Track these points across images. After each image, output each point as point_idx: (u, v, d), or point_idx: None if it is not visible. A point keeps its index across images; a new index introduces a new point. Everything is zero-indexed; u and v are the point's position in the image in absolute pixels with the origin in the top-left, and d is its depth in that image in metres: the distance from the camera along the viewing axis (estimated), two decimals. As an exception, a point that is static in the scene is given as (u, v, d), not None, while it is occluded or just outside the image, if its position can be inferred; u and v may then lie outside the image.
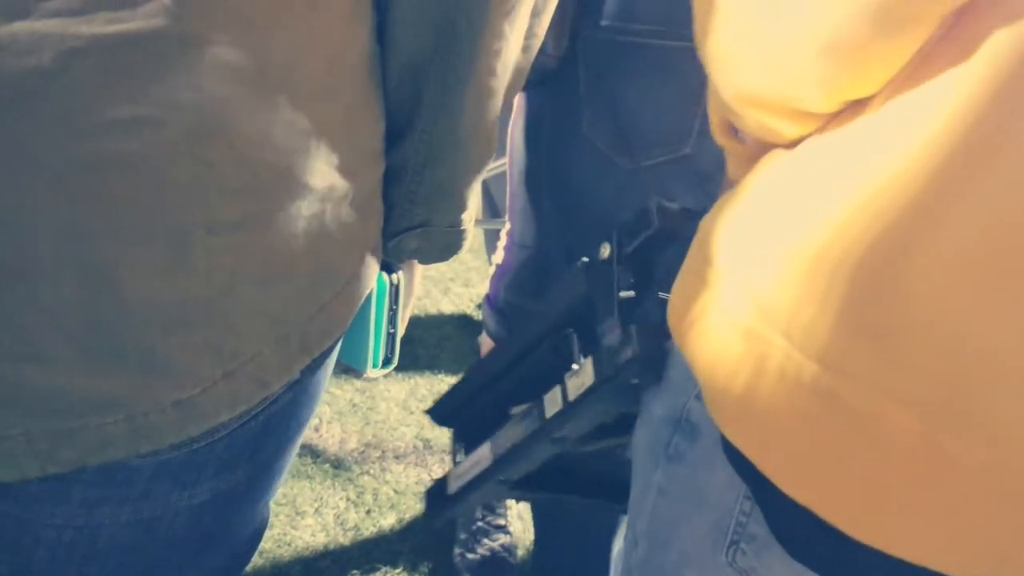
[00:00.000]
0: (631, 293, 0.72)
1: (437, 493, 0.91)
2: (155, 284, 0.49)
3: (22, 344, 0.48)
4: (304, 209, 0.55)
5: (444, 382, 2.16)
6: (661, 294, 0.71)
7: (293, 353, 0.57)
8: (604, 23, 1.11)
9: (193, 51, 0.48)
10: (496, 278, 1.58)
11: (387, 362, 0.73)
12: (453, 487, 0.88)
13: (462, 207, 0.68)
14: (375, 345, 0.71)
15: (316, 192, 0.55)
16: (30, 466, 0.50)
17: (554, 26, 1.16)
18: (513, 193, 1.46)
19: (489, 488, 0.85)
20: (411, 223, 0.67)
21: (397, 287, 0.71)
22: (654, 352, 0.67)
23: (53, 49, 0.45)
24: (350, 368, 0.76)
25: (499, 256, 1.58)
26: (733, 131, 0.66)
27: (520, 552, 1.69)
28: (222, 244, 0.51)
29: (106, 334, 0.49)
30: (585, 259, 0.78)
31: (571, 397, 0.74)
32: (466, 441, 0.92)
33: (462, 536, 1.68)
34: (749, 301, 0.55)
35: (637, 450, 0.71)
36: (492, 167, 1.60)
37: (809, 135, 0.57)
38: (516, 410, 0.83)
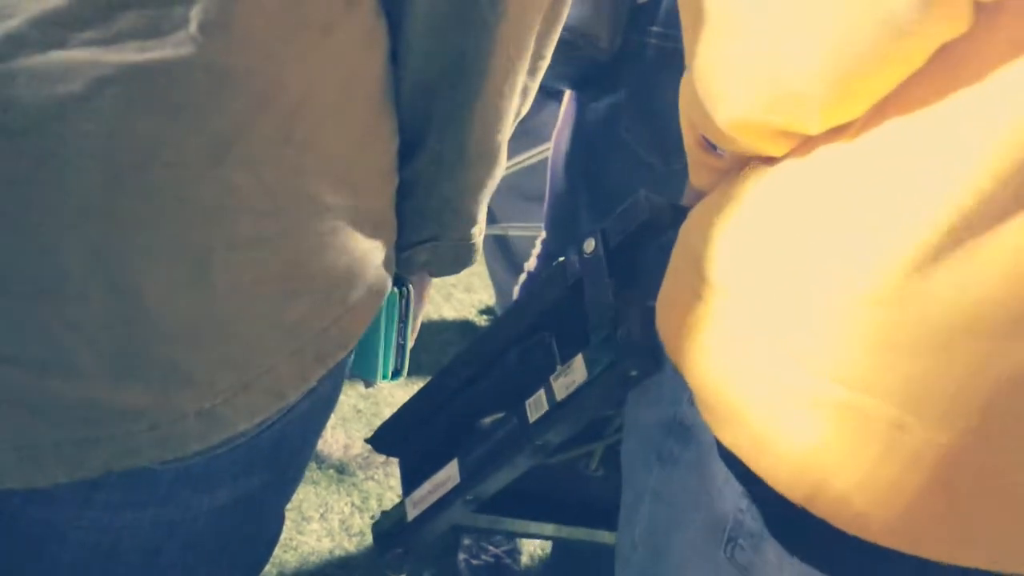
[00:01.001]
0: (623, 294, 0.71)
1: (390, 525, 0.82)
2: (178, 300, 0.51)
3: (53, 357, 0.50)
4: (320, 226, 0.57)
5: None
6: (650, 303, 0.70)
7: (308, 364, 0.59)
8: (655, 29, 1.14)
9: (217, 79, 0.50)
10: (526, 284, 1.60)
11: (396, 373, 0.75)
12: (412, 514, 0.80)
13: (472, 222, 0.70)
14: (385, 356, 0.73)
15: (332, 209, 0.57)
16: (58, 472, 0.52)
17: (610, 24, 1.19)
18: (552, 203, 1.47)
19: (455, 511, 0.78)
20: (421, 237, 0.69)
21: (408, 299, 0.72)
22: (652, 340, 0.66)
23: (84, 76, 0.47)
24: (356, 376, 0.78)
25: (531, 263, 1.59)
26: (710, 147, 0.67)
27: (524, 559, 1.70)
28: (242, 261, 0.53)
29: (132, 348, 0.51)
30: (561, 259, 0.77)
31: (559, 398, 0.71)
32: (415, 468, 0.85)
33: (466, 542, 1.69)
34: (762, 332, 0.57)
35: (627, 459, 0.73)
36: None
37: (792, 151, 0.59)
38: (487, 421, 0.80)
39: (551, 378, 0.72)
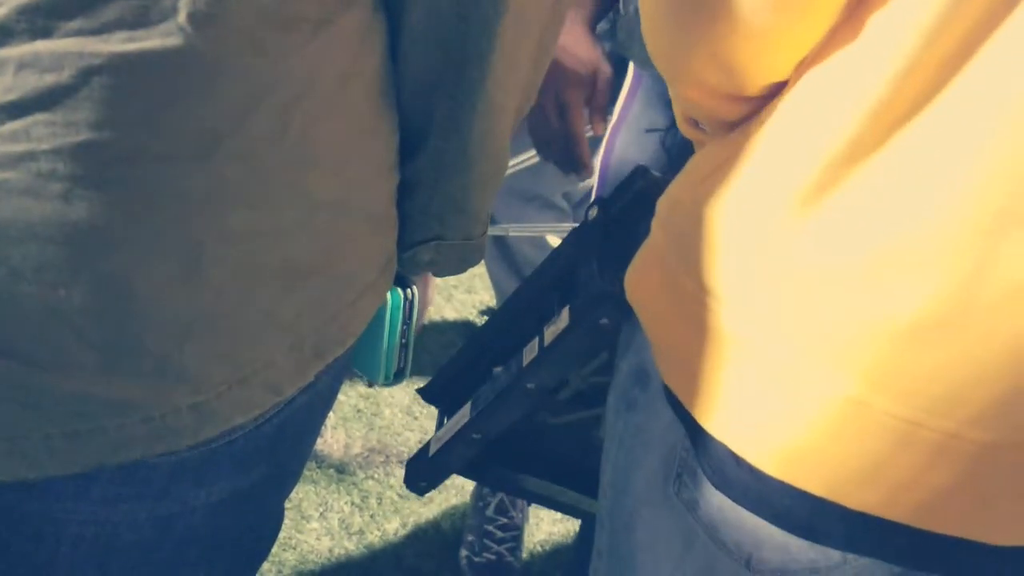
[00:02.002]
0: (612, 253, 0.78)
1: (418, 459, 0.93)
2: (169, 294, 0.51)
3: (41, 349, 0.49)
4: (316, 221, 0.56)
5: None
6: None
7: (306, 360, 0.58)
8: None
9: (208, 71, 0.50)
10: None
11: (400, 374, 0.74)
12: (433, 449, 0.91)
13: (476, 221, 0.70)
14: (388, 357, 0.73)
15: (329, 205, 0.57)
16: (49, 465, 0.52)
17: None
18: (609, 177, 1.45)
19: (465, 446, 0.87)
20: (425, 236, 0.68)
21: (411, 300, 0.72)
22: (623, 293, 0.72)
23: (72, 66, 0.47)
24: (356, 376, 0.78)
25: None
26: (695, 122, 0.71)
27: (525, 555, 1.70)
28: (235, 255, 0.53)
29: (123, 341, 0.51)
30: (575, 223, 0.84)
31: (547, 343, 0.79)
32: (450, 417, 0.94)
33: (469, 538, 1.69)
34: (694, 280, 0.62)
35: (608, 412, 0.77)
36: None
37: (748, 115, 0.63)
38: (497, 369, 0.88)
39: (544, 327, 0.80)
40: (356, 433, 1.94)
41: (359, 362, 0.75)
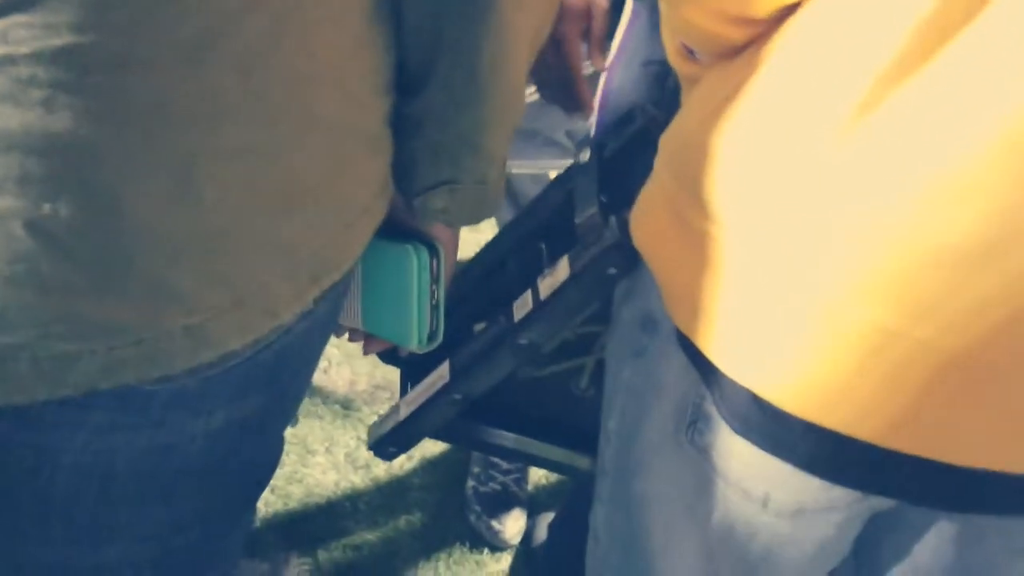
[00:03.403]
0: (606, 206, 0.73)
1: (385, 423, 0.86)
2: (161, 211, 0.49)
3: (21, 266, 0.47)
4: (312, 139, 0.54)
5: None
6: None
7: (303, 284, 0.57)
8: None
9: None
10: None
11: (433, 336, 0.71)
12: (404, 413, 0.84)
13: (490, 161, 0.65)
14: (419, 320, 0.70)
15: (324, 121, 0.55)
16: (38, 389, 0.50)
17: None
18: (606, 117, 1.42)
19: (443, 409, 0.81)
20: (437, 179, 0.64)
21: (438, 260, 0.69)
22: (630, 241, 0.69)
23: None
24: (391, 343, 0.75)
25: None
26: (688, 52, 0.68)
27: (530, 488, 1.72)
28: (230, 173, 0.51)
29: (113, 260, 0.49)
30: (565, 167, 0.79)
31: (543, 296, 0.74)
32: (416, 377, 0.88)
33: (475, 469, 1.70)
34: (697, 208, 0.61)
35: (609, 358, 0.75)
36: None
37: (753, 42, 0.61)
38: (479, 326, 0.82)
39: (538, 279, 0.75)
40: (361, 369, 1.94)
41: (388, 330, 0.72)
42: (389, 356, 0.92)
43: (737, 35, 0.61)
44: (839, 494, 0.61)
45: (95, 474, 0.57)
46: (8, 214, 0.47)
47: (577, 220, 0.74)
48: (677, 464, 0.67)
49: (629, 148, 0.76)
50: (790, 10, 0.57)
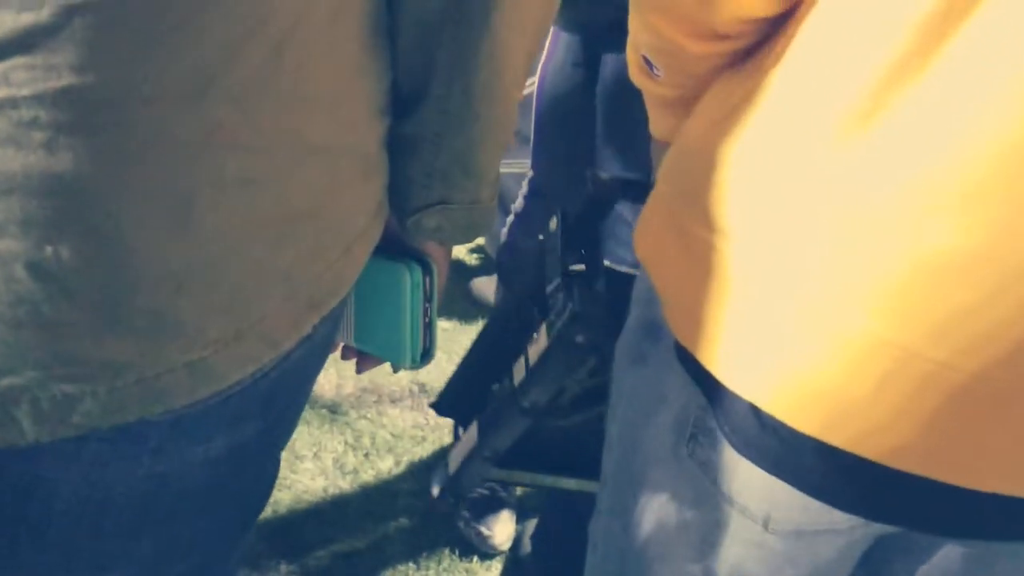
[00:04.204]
0: (580, 267, 0.79)
1: (440, 475, 0.96)
2: (162, 244, 0.49)
3: (23, 308, 0.47)
4: (310, 166, 0.54)
5: (437, 326, 2.17)
6: (607, 261, 0.81)
7: (302, 311, 0.57)
8: None
9: (198, 8, 0.46)
10: (515, 226, 1.58)
11: (426, 354, 0.72)
12: (452, 468, 0.94)
13: (483, 182, 0.65)
14: (413, 338, 0.70)
15: (321, 148, 0.55)
16: (40, 431, 0.50)
17: None
18: (539, 140, 1.45)
19: (479, 466, 0.90)
20: (430, 200, 0.64)
21: (431, 277, 0.69)
22: (593, 310, 0.74)
23: (51, 3, 0.44)
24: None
25: (519, 203, 1.58)
26: (648, 67, 0.69)
27: (517, 491, 1.72)
28: (229, 203, 0.51)
29: (114, 296, 0.49)
30: (540, 236, 0.84)
31: (531, 363, 0.80)
32: (464, 425, 0.97)
33: (460, 477, 1.71)
34: (706, 228, 0.60)
35: (615, 364, 0.76)
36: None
37: (715, 56, 0.61)
38: (495, 387, 0.90)
39: (528, 345, 0.82)
40: (348, 373, 1.94)
41: (381, 348, 0.72)
42: (444, 407, 1.03)
43: (696, 49, 0.61)
44: (840, 517, 0.60)
45: (92, 503, 0.56)
46: (10, 257, 0.46)
47: (548, 291, 0.80)
48: (676, 477, 0.67)
49: (587, 215, 0.81)
50: (756, 29, 0.58)
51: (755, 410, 0.58)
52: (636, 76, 0.72)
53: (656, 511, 0.69)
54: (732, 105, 0.60)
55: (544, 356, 0.79)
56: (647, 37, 0.66)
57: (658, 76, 0.68)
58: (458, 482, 0.93)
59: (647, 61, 0.69)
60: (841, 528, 0.61)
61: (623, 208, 0.88)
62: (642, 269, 0.70)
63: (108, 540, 0.58)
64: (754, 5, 0.57)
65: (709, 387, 0.61)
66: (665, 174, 0.67)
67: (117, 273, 0.48)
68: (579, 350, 0.77)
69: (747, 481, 0.61)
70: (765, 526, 0.62)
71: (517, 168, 2.19)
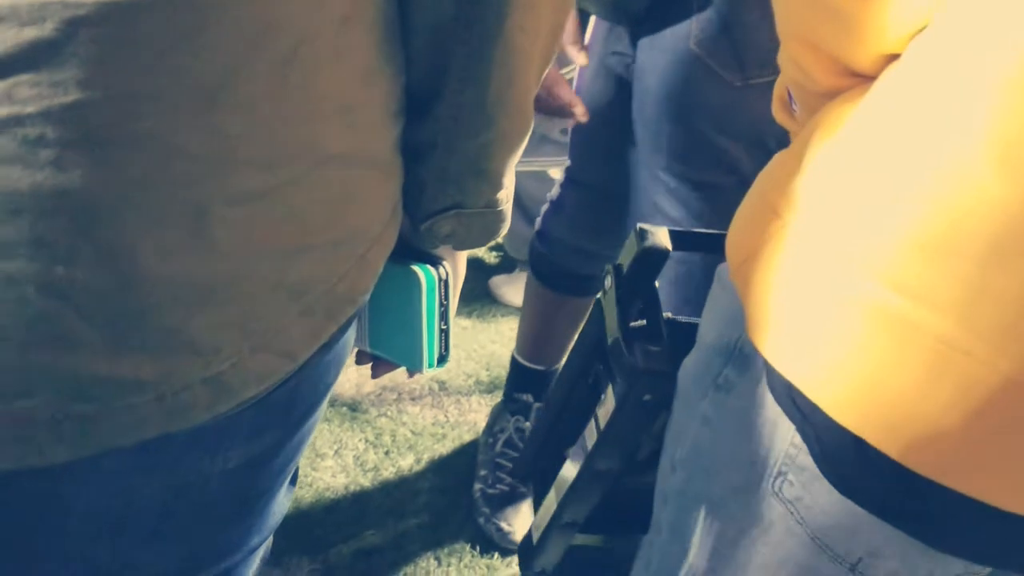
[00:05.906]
0: (641, 322, 0.77)
1: (526, 545, 0.94)
2: (175, 262, 0.48)
3: (37, 329, 0.47)
4: (322, 176, 0.54)
5: (455, 323, 2.18)
6: (667, 314, 0.78)
7: (319, 323, 0.56)
8: None
9: (204, 18, 0.46)
10: (549, 213, 1.59)
11: (442, 359, 0.71)
12: (535, 537, 0.92)
13: (497, 186, 0.65)
14: (429, 343, 0.70)
15: (333, 157, 0.54)
16: (58, 452, 0.49)
17: None
18: (578, 129, 1.45)
19: (562, 535, 0.88)
20: (443, 204, 0.64)
21: (446, 281, 0.69)
22: (657, 365, 0.72)
23: (55, 18, 0.43)
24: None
25: (555, 191, 1.58)
26: (790, 100, 0.68)
27: (537, 489, 1.73)
28: (242, 217, 0.50)
29: (129, 315, 0.48)
30: (599, 294, 0.83)
31: (602, 426, 0.78)
32: (541, 494, 0.95)
33: (482, 472, 1.71)
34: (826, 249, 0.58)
35: (684, 378, 0.73)
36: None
37: (848, 90, 0.60)
38: (568, 451, 0.88)
39: (597, 408, 0.79)
40: (367, 371, 1.94)
41: (396, 353, 0.72)
42: (521, 474, 1.03)
43: (827, 83, 0.61)
44: (939, 565, 0.56)
45: (108, 517, 0.56)
46: (21, 278, 0.46)
47: (609, 353, 0.78)
48: (756, 511, 0.63)
49: (639, 270, 0.79)
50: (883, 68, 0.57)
51: (860, 444, 0.54)
52: (778, 113, 0.71)
53: (729, 542, 0.66)
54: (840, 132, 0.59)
55: (613, 418, 0.76)
56: (790, 70, 0.65)
57: (794, 111, 0.68)
58: (543, 554, 0.91)
59: (790, 96, 0.69)
60: None
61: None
62: (722, 289, 0.68)
63: (129, 552, 0.58)
64: (898, 43, 0.56)
65: (810, 419, 0.58)
66: (764, 185, 0.65)
67: (130, 290, 0.48)
68: (647, 408, 0.75)
69: (840, 522, 0.58)
70: (853, 570, 0.59)
71: (533, 167, 2.19)
